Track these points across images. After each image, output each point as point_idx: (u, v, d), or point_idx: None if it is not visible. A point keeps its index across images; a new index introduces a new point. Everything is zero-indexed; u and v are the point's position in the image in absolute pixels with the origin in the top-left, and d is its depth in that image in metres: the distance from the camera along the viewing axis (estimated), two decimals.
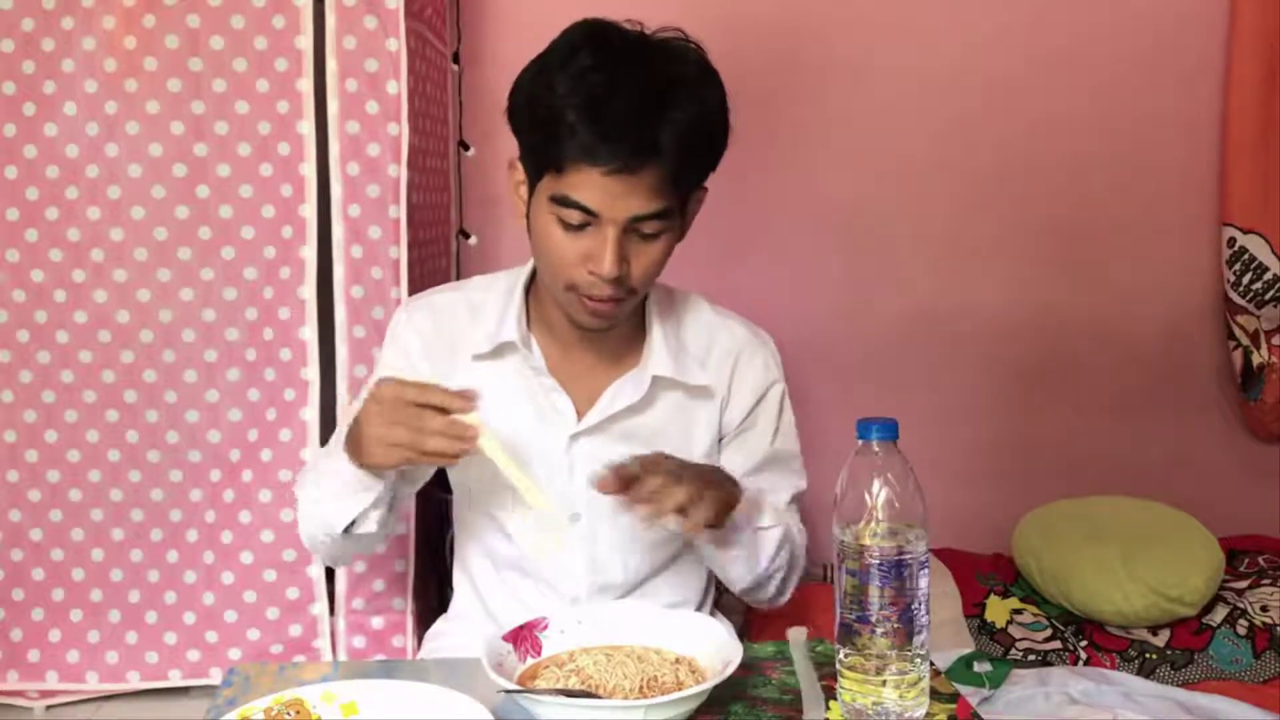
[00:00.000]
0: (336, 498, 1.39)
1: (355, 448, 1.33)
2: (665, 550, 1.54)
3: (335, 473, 1.38)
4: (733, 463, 1.53)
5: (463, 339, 1.52)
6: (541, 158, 1.35)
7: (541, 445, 1.48)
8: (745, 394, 1.55)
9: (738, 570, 1.45)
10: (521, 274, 1.53)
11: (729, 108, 1.39)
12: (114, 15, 2.09)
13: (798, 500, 1.60)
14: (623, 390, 1.49)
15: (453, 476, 1.58)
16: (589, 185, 1.30)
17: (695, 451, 1.51)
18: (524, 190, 1.42)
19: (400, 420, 1.25)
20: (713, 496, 1.28)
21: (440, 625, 1.68)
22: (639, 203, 1.31)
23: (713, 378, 1.53)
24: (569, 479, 1.49)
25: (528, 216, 1.42)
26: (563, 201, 1.32)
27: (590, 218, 1.32)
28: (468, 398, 1.25)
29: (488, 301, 1.53)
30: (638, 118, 1.28)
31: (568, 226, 1.34)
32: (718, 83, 1.39)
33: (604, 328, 1.44)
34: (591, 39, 1.33)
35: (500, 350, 1.49)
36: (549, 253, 1.37)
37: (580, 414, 1.50)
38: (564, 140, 1.29)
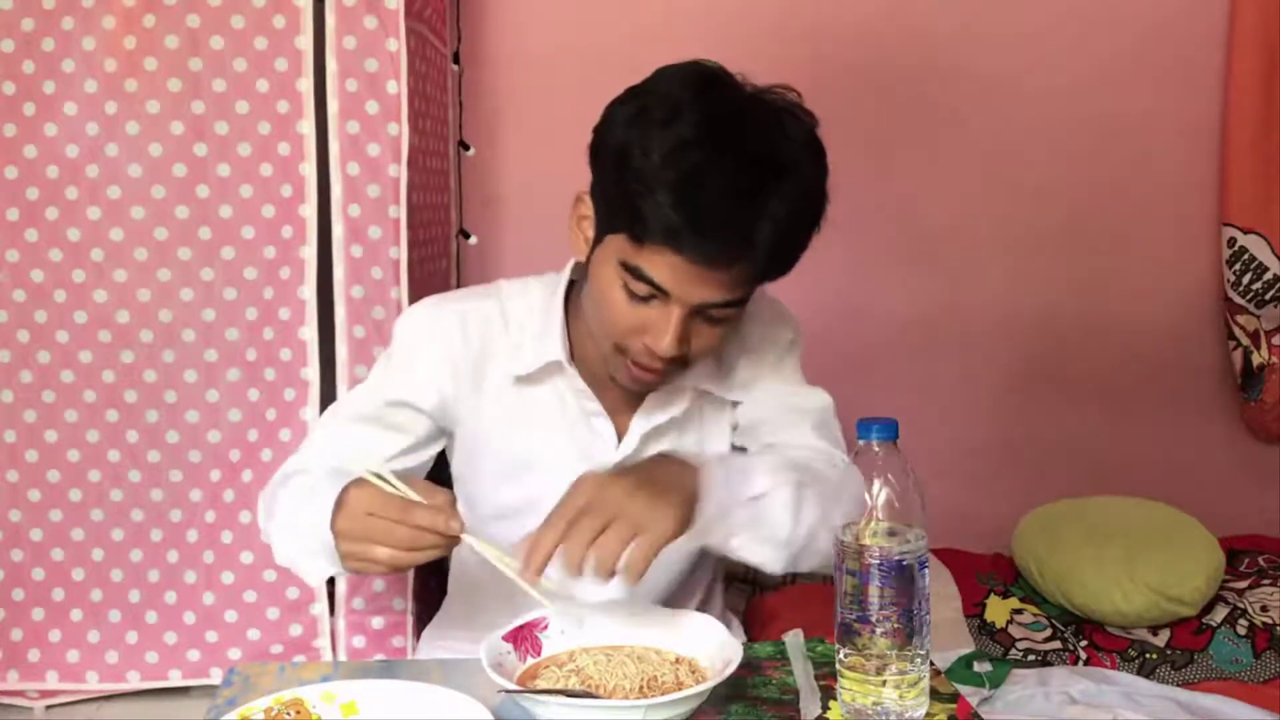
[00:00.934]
0: (313, 556, 1.24)
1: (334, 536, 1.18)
2: (676, 569, 1.49)
3: (313, 530, 1.20)
4: (746, 427, 1.46)
5: (496, 356, 1.40)
6: (621, 219, 1.23)
7: (578, 470, 1.30)
8: (759, 375, 1.48)
9: (762, 554, 1.22)
10: (559, 284, 1.43)
11: (827, 188, 1.28)
12: (114, 15, 2.09)
13: (826, 424, 1.46)
14: (659, 408, 1.41)
15: (456, 488, 1.50)
16: (667, 267, 1.20)
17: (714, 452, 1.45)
18: (589, 230, 1.31)
19: (379, 539, 1.12)
20: (638, 509, 1.09)
21: (434, 628, 1.67)
22: (716, 293, 1.22)
23: (743, 385, 1.47)
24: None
25: (589, 259, 1.32)
26: (634, 273, 1.22)
27: (659, 294, 1.23)
28: (453, 515, 1.11)
29: (524, 315, 1.42)
30: (733, 211, 1.17)
31: (633, 295, 1.24)
32: (823, 165, 1.27)
33: (642, 391, 1.37)
34: (698, 95, 1.21)
35: (540, 372, 1.40)
36: (606, 310, 1.28)
37: (620, 435, 1.43)
38: (650, 216, 1.18)
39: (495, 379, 1.40)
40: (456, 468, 1.50)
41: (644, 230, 1.19)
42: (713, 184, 1.16)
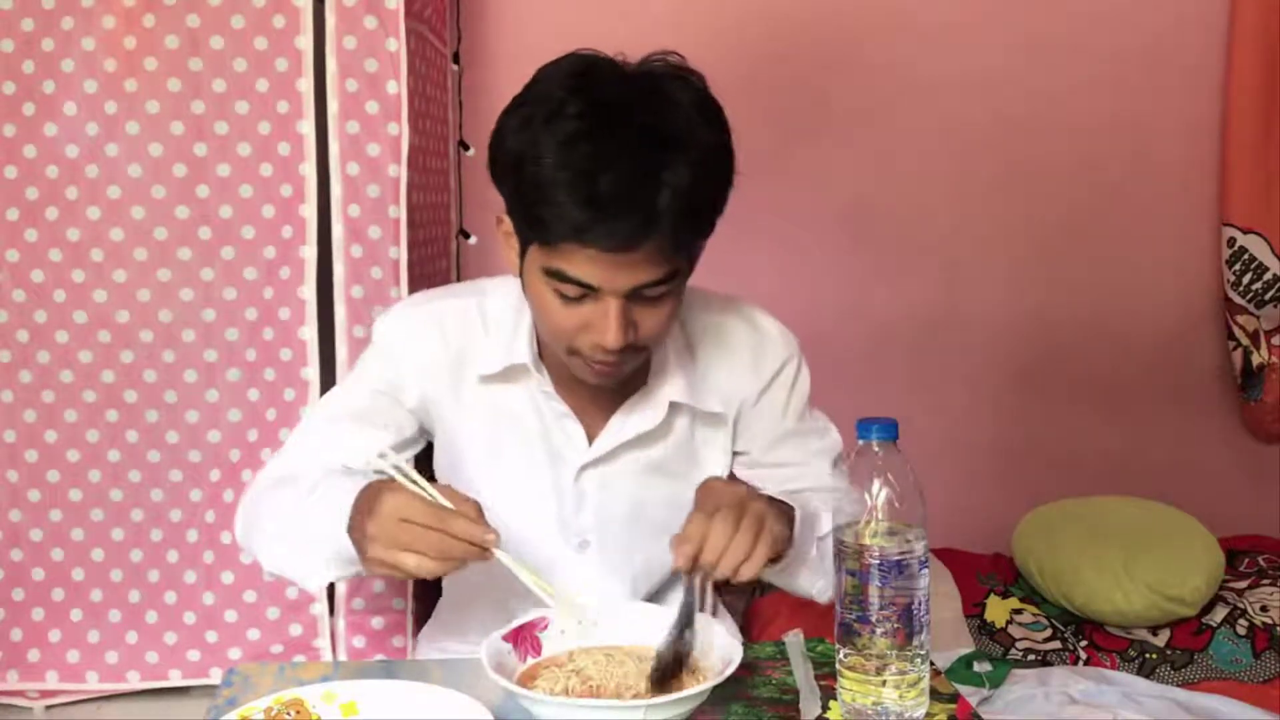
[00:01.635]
0: (317, 562, 1.25)
1: (358, 527, 1.17)
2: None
3: (322, 534, 1.22)
4: (750, 457, 1.48)
5: (474, 356, 1.40)
6: (532, 229, 1.22)
7: (550, 474, 1.41)
8: (752, 395, 1.48)
9: (819, 586, 1.35)
10: None
11: (731, 144, 1.26)
12: (114, 15, 2.09)
13: (840, 461, 1.51)
14: (633, 416, 1.40)
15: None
16: (584, 262, 1.19)
17: (707, 474, 1.43)
18: (515, 244, 1.30)
19: (408, 544, 1.11)
20: (767, 541, 1.18)
21: (429, 631, 1.66)
22: (641, 274, 1.21)
23: (724, 398, 1.45)
24: (578, 508, 1.43)
25: (521, 274, 1.31)
26: (558, 276, 1.22)
27: (588, 290, 1.22)
28: (488, 527, 1.12)
29: (502, 313, 1.41)
30: (632, 191, 1.15)
31: (565, 298, 1.23)
32: (719, 122, 1.25)
33: (613, 385, 1.35)
34: (577, 88, 1.20)
35: (510, 373, 1.39)
36: (546, 320, 1.27)
37: (591, 438, 1.42)
38: (553, 220, 1.18)
39: (472, 379, 1.40)
40: (439, 469, 1.49)
41: (552, 234, 1.19)
42: (604, 171, 1.14)
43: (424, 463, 1.50)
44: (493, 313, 1.42)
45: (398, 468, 1.16)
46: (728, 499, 1.19)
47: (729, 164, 1.25)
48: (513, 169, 1.22)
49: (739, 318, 1.49)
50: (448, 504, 1.12)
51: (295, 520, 1.27)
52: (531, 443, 1.40)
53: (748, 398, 1.47)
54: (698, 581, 1.18)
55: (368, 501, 1.15)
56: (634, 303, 1.23)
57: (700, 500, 1.23)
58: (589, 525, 1.45)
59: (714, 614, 1.63)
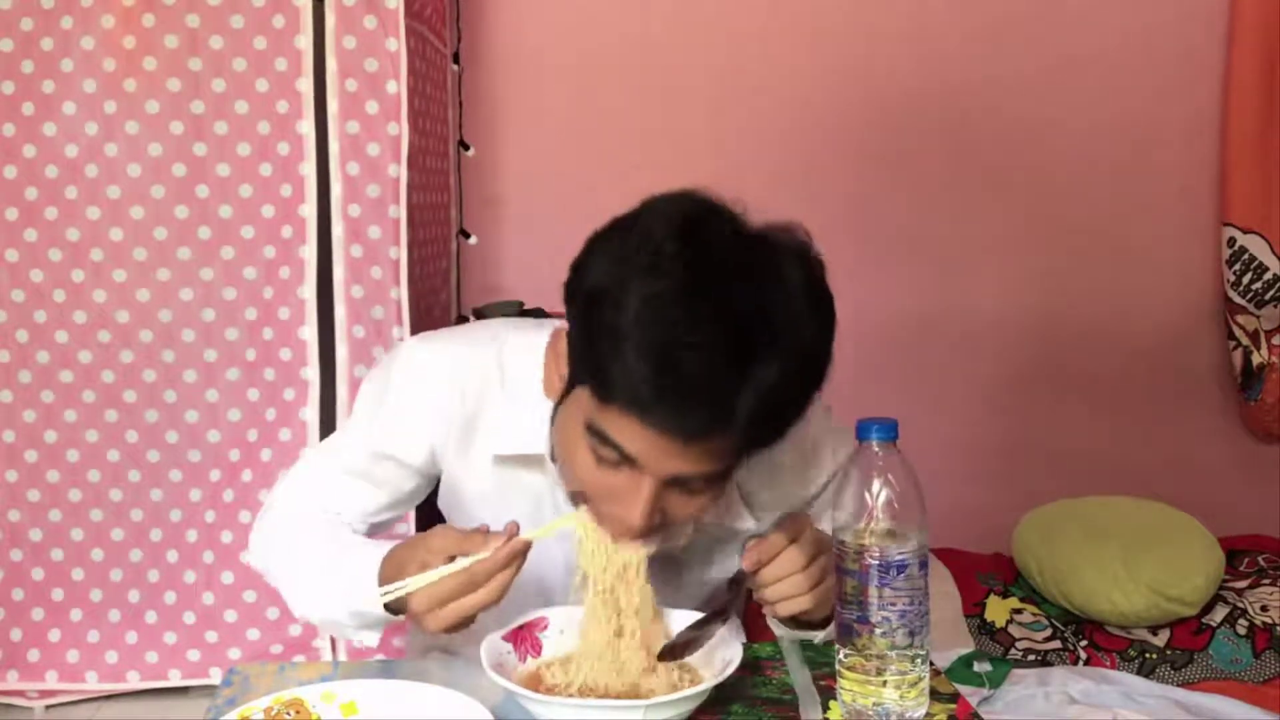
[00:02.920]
0: (353, 628, 1.24)
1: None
2: (704, 594, 1.40)
3: (356, 607, 1.20)
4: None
5: (487, 420, 1.28)
6: (588, 373, 1.08)
7: (554, 563, 1.27)
8: (798, 505, 1.35)
9: (818, 636, 1.27)
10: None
11: (832, 342, 1.09)
12: (113, 15, 2.09)
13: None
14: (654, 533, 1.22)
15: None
16: (635, 434, 1.05)
17: (719, 571, 1.33)
18: (564, 368, 1.14)
19: (460, 614, 1.10)
20: (819, 594, 1.14)
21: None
22: (691, 464, 1.07)
23: (763, 512, 1.32)
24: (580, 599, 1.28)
25: (558, 404, 1.17)
26: (600, 437, 1.08)
27: (628, 461, 1.08)
28: (505, 542, 1.08)
29: (520, 373, 1.27)
30: (713, 379, 1.01)
31: (600, 459, 1.09)
32: (826, 316, 1.09)
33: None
34: (683, 237, 1.04)
35: (525, 458, 1.27)
36: (572, 469, 1.14)
37: None
38: (617, 379, 1.03)
39: (482, 445, 1.29)
40: (443, 506, 1.42)
41: (610, 391, 1.05)
42: (689, 349, 1.00)
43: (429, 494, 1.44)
44: (511, 369, 1.28)
45: (392, 591, 1.14)
46: (810, 535, 1.15)
47: (824, 366, 1.09)
48: (590, 304, 1.06)
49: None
50: (460, 563, 1.10)
51: (325, 593, 1.25)
52: (541, 521, 1.27)
53: (794, 507, 1.35)
54: (739, 591, 1.17)
55: (399, 603, 1.15)
56: (671, 487, 1.10)
57: (788, 523, 1.17)
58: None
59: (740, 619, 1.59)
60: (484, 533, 1.11)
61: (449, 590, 1.09)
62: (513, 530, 1.10)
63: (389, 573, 1.17)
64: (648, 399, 1.02)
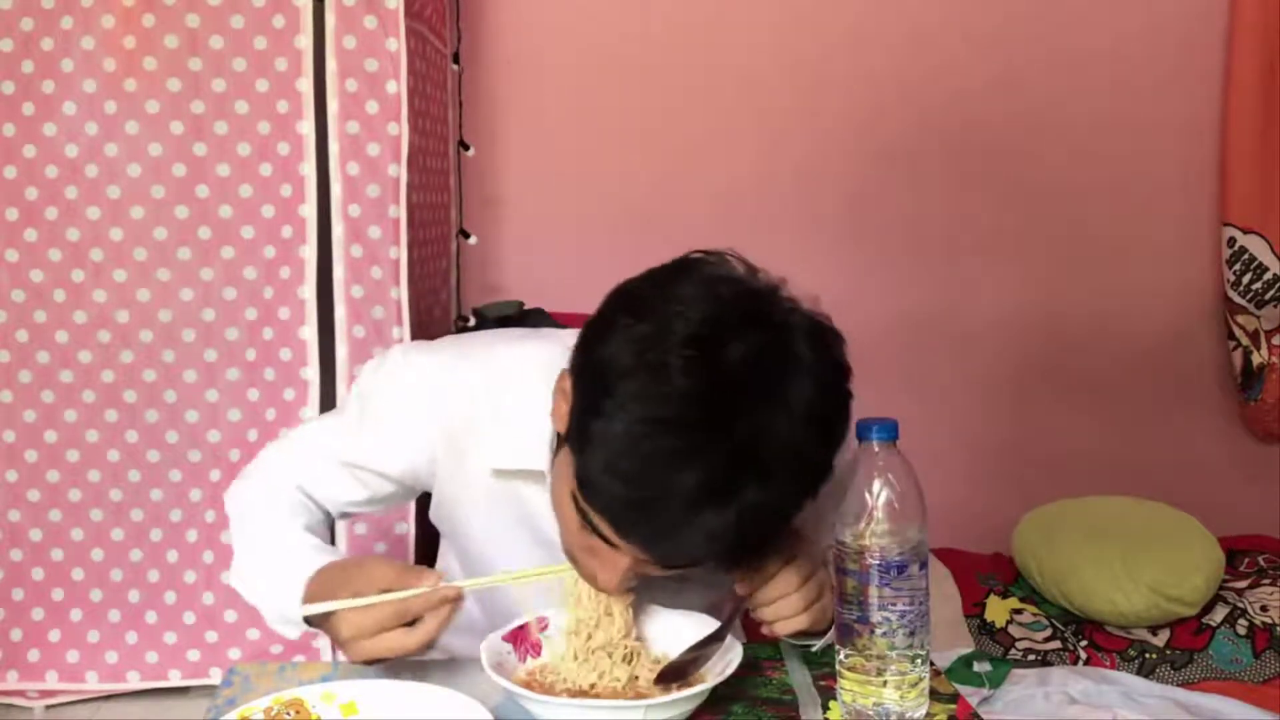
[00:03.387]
0: (272, 619, 1.25)
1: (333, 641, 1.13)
2: (706, 600, 1.37)
3: (278, 606, 1.22)
4: None
5: (478, 436, 1.25)
6: (574, 453, 1.04)
7: (549, 579, 1.22)
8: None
9: (816, 644, 1.25)
10: (555, 373, 1.15)
11: (833, 456, 1.05)
12: (113, 15, 2.09)
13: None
14: None
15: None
16: (612, 535, 1.04)
17: (724, 578, 1.27)
18: (565, 411, 1.08)
19: (386, 649, 1.10)
20: (814, 613, 1.14)
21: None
22: (669, 568, 1.08)
23: None
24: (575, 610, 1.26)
25: (557, 448, 1.14)
26: (583, 514, 1.05)
27: (608, 542, 1.05)
28: (446, 589, 1.08)
29: (515, 394, 1.23)
30: (688, 523, 0.98)
31: (582, 525, 1.06)
32: (830, 430, 1.04)
33: None
34: (699, 352, 0.98)
35: (523, 472, 1.24)
36: (560, 517, 1.11)
37: None
38: (597, 485, 1.01)
39: (475, 460, 1.26)
40: (435, 520, 1.40)
41: (589, 493, 1.02)
42: (670, 490, 0.97)
43: (423, 500, 1.42)
44: (505, 383, 1.25)
45: (316, 610, 1.13)
46: (804, 552, 1.16)
47: (819, 480, 1.05)
48: (589, 387, 1.03)
49: None
50: (388, 597, 1.09)
51: (262, 572, 1.26)
52: (527, 541, 1.27)
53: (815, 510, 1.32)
54: (739, 608, 1.17)
55: (325, 623, 1.14)
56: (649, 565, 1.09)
57: (781, 543, 1.16)
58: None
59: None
60: (421, 570, 1.10)
61: (378, 620, 1.09)
62: (440, 580, 1.09)
63: (314, 589, 1.16)
64: (622, 523, 1.01)
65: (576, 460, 1.03)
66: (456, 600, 1.09)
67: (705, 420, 0.97)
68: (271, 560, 1.25)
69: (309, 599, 1.17)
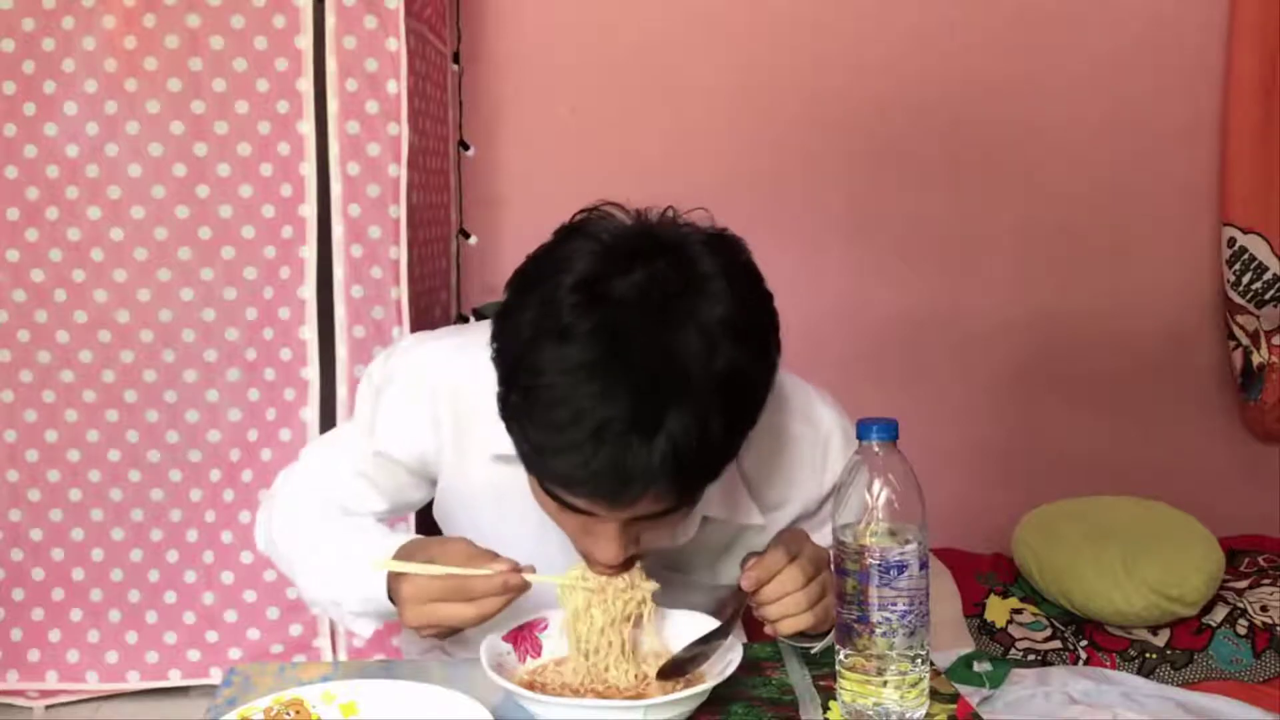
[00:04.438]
0: (353, 613, 1.24)
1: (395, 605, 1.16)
2: (709, 602, 1.37)
3: (361, 589, 1.20)
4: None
5: (483, 422, 1.21)
6: (508, 426, 1.05)
7: (557, 565, 1.21)
8: (812, 505, 1.32)
9: (815, 646, 1.25)
10: None
11: (769, 356, 1.05)
12: (114, 15, 2.09)
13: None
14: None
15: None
16: (572, 498, 1.04)
17: (729, 575, 1.28)
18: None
19: (444, 620, 1.11)
20: (819, 612, 1.14)
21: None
22: (642, 510, 1.04)
23: (774, 510, 1.30)
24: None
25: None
26: (551, 494, 1.06)
27: (583, 512, 1.06)
28: (505, 570, 1.08)
29: None
30: (623, 458, 0.97)
31: (562, 505, 1.06)
32: (750, 337, 1.02)
33: None
34: (585, 296, 0.99)
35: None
36: (545, 510, 1.12)
37: None
38: (533, 459, 1.03)
39: (479, 445, 1.26)
40: (439, 518, 1.41)
41: (531, 468, 1.04)
42: (593, 434, 0.96)
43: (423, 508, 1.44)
44: None
45: (400, 566, 1.14)
46: (809, 552, 1.15)
47: (753, 389, 1.04)
48: (503, 358, 1.04)
49: (798, 418, 1.29)
50: (459, 571, 1.10)
51: (331, 575, 1.25)
52: (535, 528, 1.25)
53: (808, 509, 1.33)
54: (740, 607, 1.16)
55: (393, 582, 1.15)
56: (635, 523, 1.08)
57: (786, 540, 1.17)
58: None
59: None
60: (495, 556, 1.11)
61: (439, 590, 1.10)
62: (523, 568, 1.10)
63: (390, 581, 1.16)
64: (570, 481, 1.01)
65: (513, 440, 1.04)
66: (520, 590, 1.10)
67: (607, 356, 0.97)
68: (345, 550, 1.24)
69: (389, 586, 1.17)
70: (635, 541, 1.10)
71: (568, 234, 1.06)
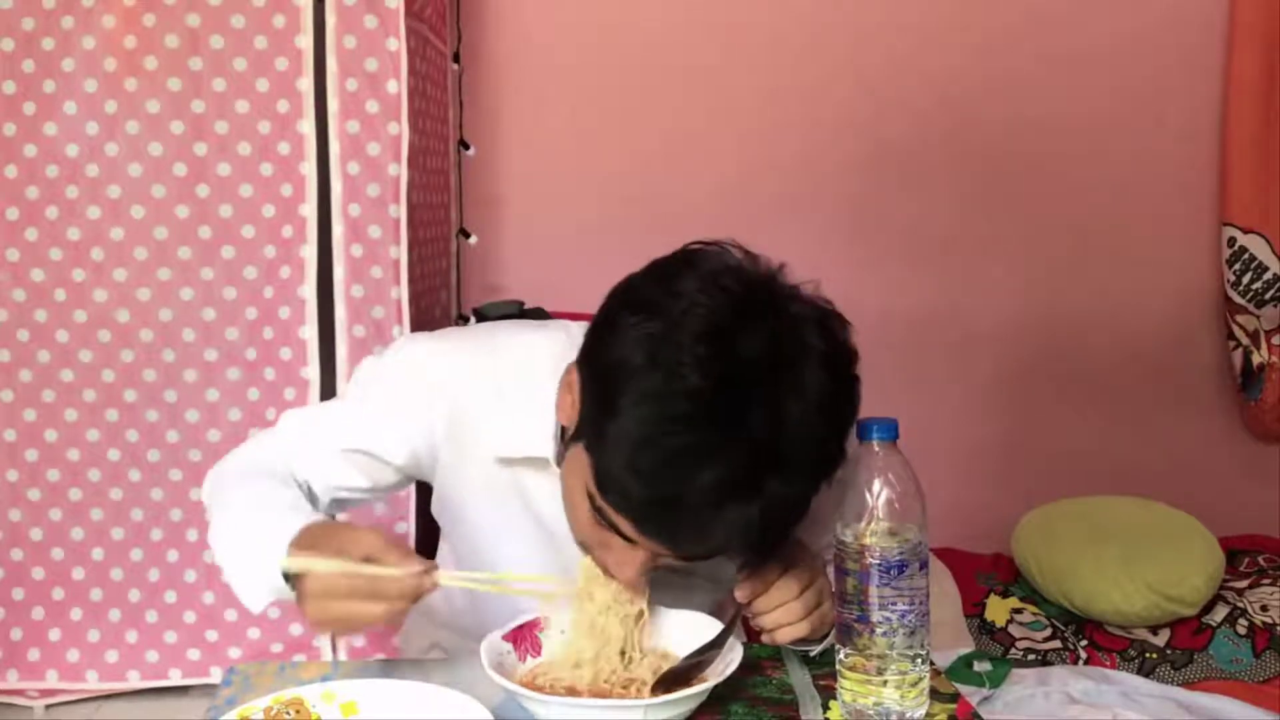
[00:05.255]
0: (244, 584, 1.15)
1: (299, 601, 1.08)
2: (708, 603, 1.37)
3: (257, 560, 1.13)
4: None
5: (483, 426, 1.24)
6: (589, 450, 1.04)
7: (555, 566, 1.23)
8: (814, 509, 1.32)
9: (814, 650, 1.24)
10: (561, 363, 1.18)
11: (845, 445, 1.05)
12: (114, 14, 2.09)
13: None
14: None
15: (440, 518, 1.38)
16: (630, 530, 1.04)
17: (730, 576, 1.26)
18: (573, 404, 1.09)
19: (347, 619, 1.06)
20: (814, 620, 1.14)
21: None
22: (688, 558, 1.08)
23: None
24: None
25: (565, 444, 1.13)
26: (599, 511, 1.05)
27: (624, 538, 1.06)
28: (419, 568, 1.04)
29: (522, 385, 1.22)
30: (708, 518, 0.99)
31: (597, 522, 1.06)
32: (842, 418, 1.05)
33: None
34: (713, 349, 0.98)
35: (528, 460, 1.23)
36: (571, 515, 1.11)
37: None
38: (616, 482, 1.01)
39: (480, 450, 1.25)
40: (436, 514, 1.40)
41: (607, 491, 1.02)
42: (690, 485, 0.97)
43: (424, 499, 1.41)
44: (510, 372, 1.24)
45: (303, 564, 1.07)
46: (803, 560, 1.15)
47: (833, 469, 1.05)
48: (603, 384, 1.03)
49: None
50: (370, 568, 1.05)
51: (240, 533, 1.19)
52: (537, 531, 1.26)
53: (814, 511, 1.32)
54: (739, 612, 1.16)
55: (298, 578, 1.08)
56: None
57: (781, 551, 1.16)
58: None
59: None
60: (408, 551, 1.06)
61: (345, 588, 1.04)
62: (431, 565, 1.06)
63: (301, 544, 1.09)
64: (644, 522, 1.01)
65: (594, 461, 1.03)
66: (431, 591, 1.06)
67: (722, 416, 0.97)
68: (253, 521, 1.17)
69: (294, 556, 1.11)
70: (657, 566, 1.10)
71: (684, 264, 1.05)
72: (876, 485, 1.06)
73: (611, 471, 1.01)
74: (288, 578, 1.09)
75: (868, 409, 1.12)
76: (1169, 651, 2.23)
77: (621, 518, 1.03)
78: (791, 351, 1.01)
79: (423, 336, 1.34)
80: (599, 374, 1.04)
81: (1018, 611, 2.36)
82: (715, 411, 0.97)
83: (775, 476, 0.99)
